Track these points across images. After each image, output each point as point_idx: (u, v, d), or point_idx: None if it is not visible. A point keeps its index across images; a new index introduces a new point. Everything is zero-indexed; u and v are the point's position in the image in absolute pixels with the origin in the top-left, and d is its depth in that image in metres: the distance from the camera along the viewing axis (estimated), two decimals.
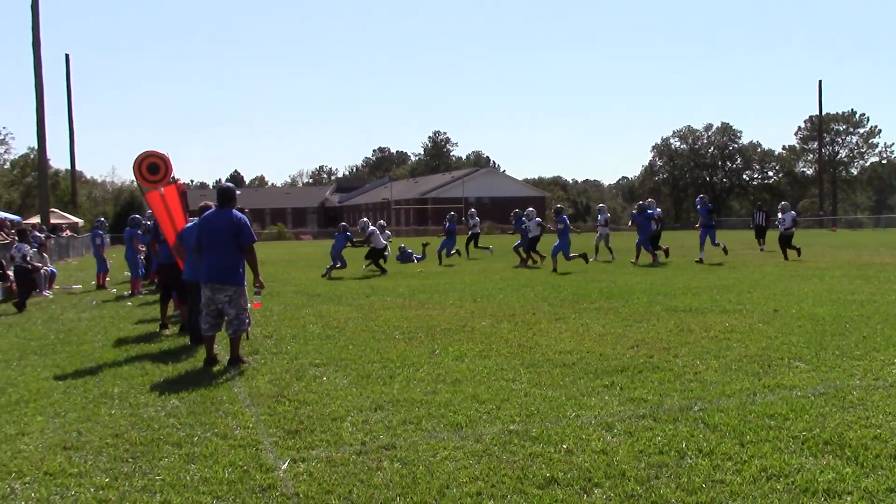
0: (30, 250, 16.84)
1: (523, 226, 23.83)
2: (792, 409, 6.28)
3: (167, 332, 11.73)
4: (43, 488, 4.99)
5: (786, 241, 24.12)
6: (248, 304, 9.17)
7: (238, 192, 9.25)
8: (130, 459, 5.53)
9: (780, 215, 24.69)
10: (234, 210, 8.99)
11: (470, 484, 4.83)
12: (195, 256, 9.30)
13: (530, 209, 24.61)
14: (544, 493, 4.65)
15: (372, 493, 4.74)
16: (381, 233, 23.24)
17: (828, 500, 4.45)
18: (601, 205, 29.07)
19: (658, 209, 24.96)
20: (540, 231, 23.88)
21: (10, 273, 18.31)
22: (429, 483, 4.86)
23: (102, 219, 22.97)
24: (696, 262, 23.12)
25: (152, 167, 11.67)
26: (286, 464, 5.31)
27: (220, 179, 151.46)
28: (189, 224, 10.57)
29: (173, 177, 11.83)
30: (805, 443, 5.47)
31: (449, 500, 4.59)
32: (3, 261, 18.65)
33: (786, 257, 23.81)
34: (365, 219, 26.01)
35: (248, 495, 4.75)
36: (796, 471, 4.91)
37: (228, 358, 8.96)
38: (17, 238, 19.08)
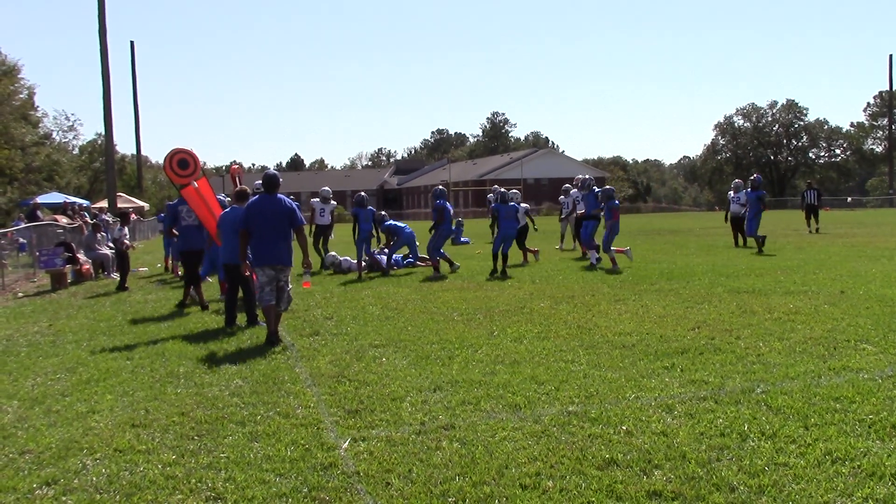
0: (125, 234, 17.44)
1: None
2: (858, 392, 6.15)
3: (185, 311, 12.46)
4: (113, 464, 5.15)
5: (738, 224, 21.88)
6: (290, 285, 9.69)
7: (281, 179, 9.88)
8: (196, 437, 5.66)
9: (731, 194, 22.30)
10: (281, 195, 9.48)
11: (529, 464, 4.84)
12: (240, 240, 9.56)
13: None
14: (603, 474, 4.64)
15: (431, 472, 4.78)
16: None
17: (895, 485, 4.36)
18: (566, 185, 24.29)
19: (523, 205, 19.50)
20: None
21: (81, 256, 18.83)
22: (488, 463, 4.89)
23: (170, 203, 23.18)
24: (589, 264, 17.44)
25: (182, 163, 12.13)
26: (347, 443, 5.38)
27: (280, 163, 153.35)
28: (225, 210, 11.02)
29: (234, 160, 12.23)
30: (872, 426, 5.35)
31: (508, 480, 4.60)
32: (73, 244, 19.18)
33: (736, 243, 21.84)
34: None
35: (309, 473, 4.83)
36: (862, 454, 4.81)
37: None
38: (117, 221, 19.66)
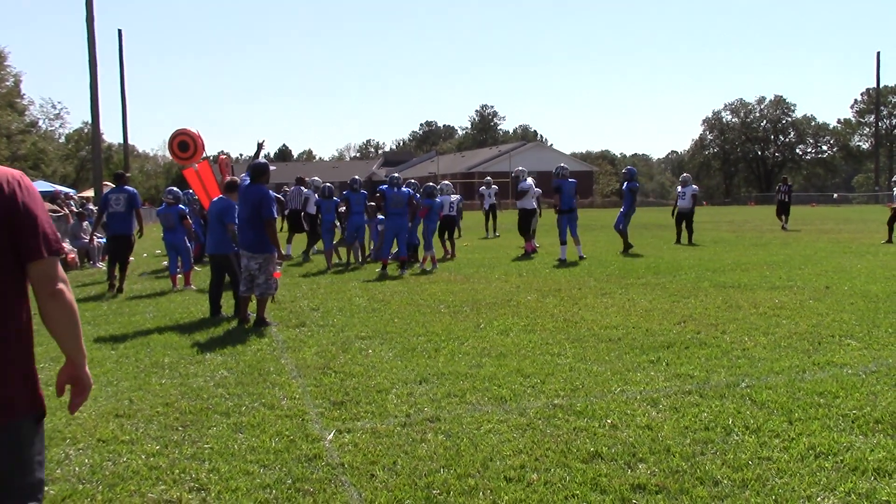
0: None
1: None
2: (842, 387, 6.18)
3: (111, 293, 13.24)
4: (96, 454, 5.12)
5: (684, 219, 21.28)
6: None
7: (273, 168, 10.05)
8: (180, 428, 5.64)
9: (679, 189, 21.61)
10: (261, 186, 9.72)
11: (514, 457, 4.85)
12: (225, 229, 10.33)
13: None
14: (588, 468, 4.65)
15: (416, 464, 4.78)
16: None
17: (878, 480, 4.38)
18: (487, 177, 25.35)
19: (455, 196, 19.04)
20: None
21: (66, 245, 18.71)
22: (472, 455, 4.89)
23: (190, 191, 21.10)
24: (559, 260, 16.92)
25: (182, 145, 12.14)
26: (332, 434, 5.37)
27: (268, 153, 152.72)
28: (216, 199, 11.09)
29: (221, 150, 12.23)
30: (855, 421, 5.38)
31: (492, 473, 4.60)
32: (59, 233, 19.06)
33: (679, 239, 21.28)
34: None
35: (294, 464, 4.82)
36: (845, 449, 4.84)
37: (255, 318, 9.76)
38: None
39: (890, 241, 20.24)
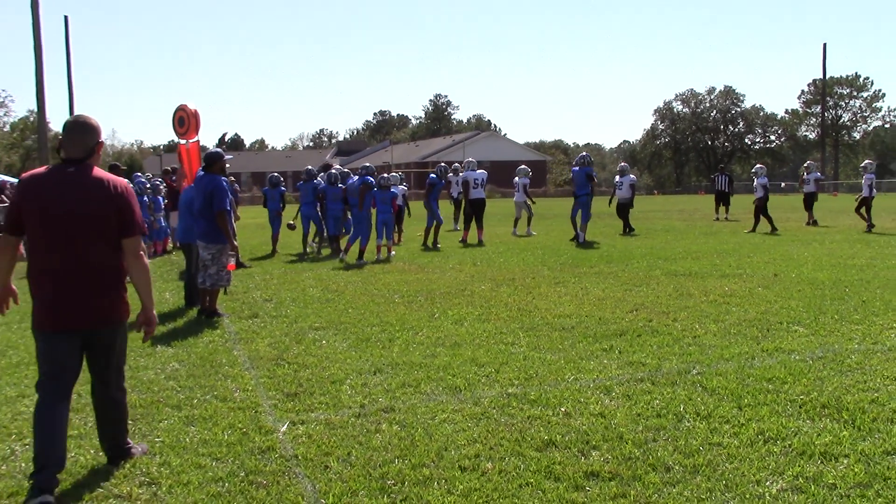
0: None
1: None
2: (790, 373, 6.30)
3: None
4: None
5: (624, 211, 21.19)
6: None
7: (230, 157, 9.86)
8: (130, 421, 5.52)
9: (617, 178, 21.35)
10: (215, 175, 9.46)
11: (468, 446, 4.85)
12: (191, 218, 9.92)
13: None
14: (542, 456, 4.67)
15: (370, 455, 4.76)
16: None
17: (824, 463, 4.47)
18: (455, 164, 23.95)
19: (402, 187, 18.86)
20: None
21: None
22: (427, 445, 4.89)
23: (142, 179, 19.54)
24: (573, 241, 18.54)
25: (180, 120, 12.01)
26: (285, 426, 5.33)
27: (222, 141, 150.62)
28: (186, 188, 10.92)
29: (172, 141, 12.07)
30: (802, 406, 5.49)
31: (447, 462, 4.61)
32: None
33: (625, 229, 21.14)
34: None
35: (247, 457, 4.78)
36: (793, 434, 4.93)
37: (199, 308, 9.72)
38: None
39: (754, 230, 20.92)
